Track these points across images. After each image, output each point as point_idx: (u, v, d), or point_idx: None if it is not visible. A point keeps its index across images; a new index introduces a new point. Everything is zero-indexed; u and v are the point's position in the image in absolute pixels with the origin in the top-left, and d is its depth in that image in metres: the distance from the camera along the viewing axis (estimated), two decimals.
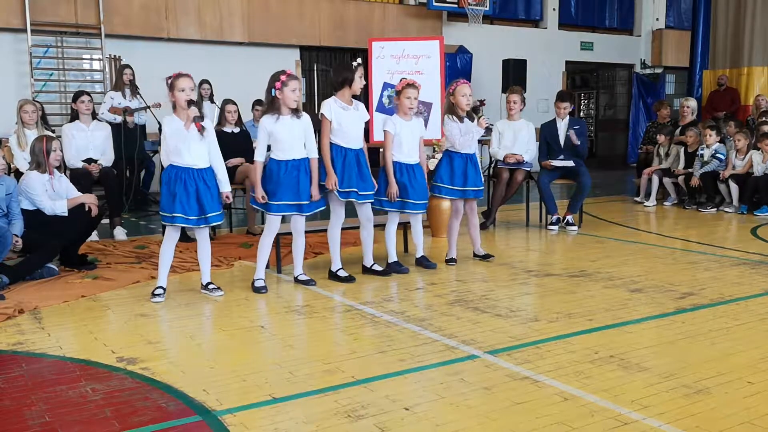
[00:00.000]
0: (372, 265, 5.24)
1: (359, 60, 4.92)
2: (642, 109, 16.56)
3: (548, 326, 3.89)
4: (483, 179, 5.64)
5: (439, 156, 6.64)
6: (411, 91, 5.14)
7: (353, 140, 4.91)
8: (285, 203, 4.67)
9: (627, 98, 17.02)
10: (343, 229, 5.10)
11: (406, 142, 5.18)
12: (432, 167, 6.62)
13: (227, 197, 4.65)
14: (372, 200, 5.08)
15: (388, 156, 5.16)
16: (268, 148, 4.75)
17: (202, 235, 4.68)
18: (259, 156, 4.68)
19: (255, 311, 4.35)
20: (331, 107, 4.85)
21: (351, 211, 5.18)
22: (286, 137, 4.63)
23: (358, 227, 5.22)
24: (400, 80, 5.25)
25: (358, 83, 4.86)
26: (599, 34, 16.19)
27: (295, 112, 4.68)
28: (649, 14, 16.66)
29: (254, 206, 4.86)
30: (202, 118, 4.36)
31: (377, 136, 6.95)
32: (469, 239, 5.85)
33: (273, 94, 4.62)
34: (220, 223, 4.71)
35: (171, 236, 4.58)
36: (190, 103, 4.35)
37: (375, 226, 5.21)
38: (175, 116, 4.44)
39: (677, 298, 4.46)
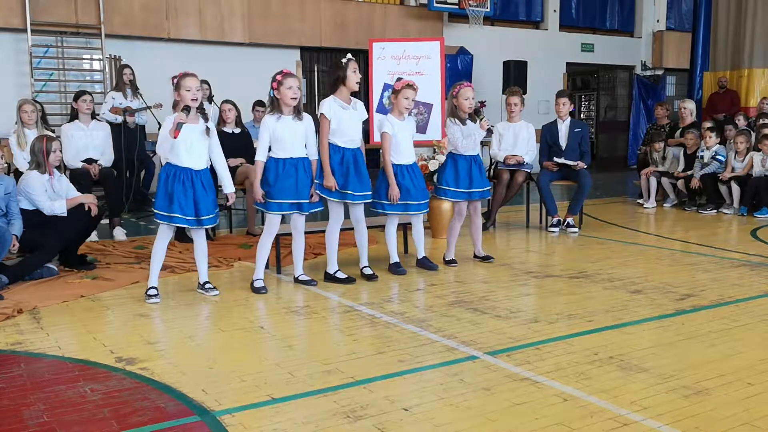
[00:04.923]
0: (363, 268, 5.15)
1: (349, 55, 4.84)
2: (642, 111, 16.56)
3: (548, 327, 3.89)
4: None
5: (439, 157, 6.65)
6: (410, 92, 5.11)
7: (351, 140, 4.87)
8: (285, 202, 4.66)
9: (627, 100, 17.02)
10: (341, 230, 5.08)
11: (404, 143, 5.16)
12: (432, 168, 6.62)
13: (229, 198, 4.69)
14: (369, 200, 5.03)
15: (388, 158, 5.11)
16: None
17: (200, 235, 4.69)
18: (261, 156, 4.68)
19: (254, 312, 4.35)
20: (330, 106, 4.80)
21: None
22: (286, 136, 4.62)
23: (353, 228, 5.20)
24: (398, 80, 5.20)
25: (353, 78, 4.79)
26: (600, 36, 16.20)
27: (297, 113, 4.66)
28: (650, 16, 16.67)
29: (256, 206, 4.86)
30: (180, 126, 4.26)
31: (377, 137, 6.95)
32: (470, 240, 5.85)
33: (272, 95, 4.63)
34: (212, 225, 4.72)
35: (164, 235, 4.56)
36: (186, 108, 4.33)
37: (373, 227, 5.18)
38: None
39: (677, 300, 4.46)
